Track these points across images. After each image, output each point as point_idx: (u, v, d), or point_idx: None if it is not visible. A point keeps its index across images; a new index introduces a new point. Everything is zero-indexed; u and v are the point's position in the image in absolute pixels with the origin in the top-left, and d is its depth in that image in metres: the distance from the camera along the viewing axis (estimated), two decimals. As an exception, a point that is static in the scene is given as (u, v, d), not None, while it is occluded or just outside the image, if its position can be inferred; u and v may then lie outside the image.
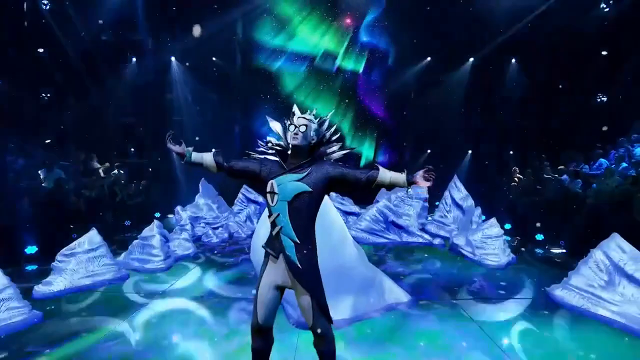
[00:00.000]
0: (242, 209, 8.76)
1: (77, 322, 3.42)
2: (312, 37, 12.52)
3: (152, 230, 5.44)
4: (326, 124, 2.14)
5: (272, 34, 12.32)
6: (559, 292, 3.81)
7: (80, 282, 4.31)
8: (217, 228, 7.58)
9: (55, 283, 4.17)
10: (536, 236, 6.53)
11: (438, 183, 7.45)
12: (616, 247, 3.53)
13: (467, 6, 10.37)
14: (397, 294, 3.74)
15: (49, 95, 9.34)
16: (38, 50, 8.60)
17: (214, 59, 12.05)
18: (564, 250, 6.02)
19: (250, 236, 7.34)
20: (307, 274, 1.89)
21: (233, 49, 12.61)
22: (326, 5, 12.01)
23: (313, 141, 2.04)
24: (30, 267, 5.07)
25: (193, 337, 3.12)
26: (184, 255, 5.83)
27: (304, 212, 1.90)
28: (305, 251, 1.90)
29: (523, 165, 9.03)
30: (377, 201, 7.59)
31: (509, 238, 6.75)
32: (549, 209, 6.80)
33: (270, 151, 2.11)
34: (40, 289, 4.08)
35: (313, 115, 2.12)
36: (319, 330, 1.91)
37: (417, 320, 3.39)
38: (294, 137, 1.98)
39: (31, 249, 5.24)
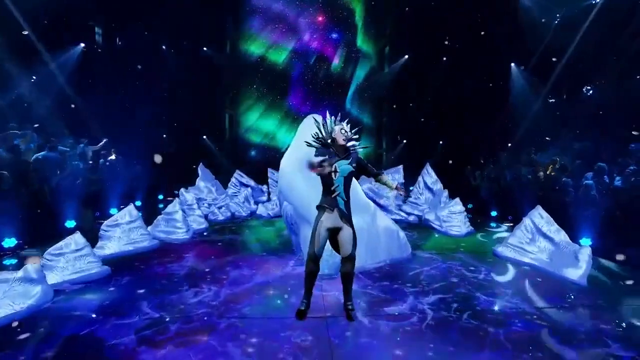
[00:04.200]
0: (236, 192, 9.75)
1: (139, 271, 4.41)
2: (298, 32, 13.35)
3: (175, 207, 6.37)
4: (349, 126, 3.24)
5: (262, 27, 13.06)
6: (500, 249, 5.21)
7: (126, 248, 5.23)
8: (220, 207, 8.53)
9: (107, 247, 5.08)
10: (491, 212, 8.03)
11: (413, 170, 8.78)
12: (538, 214, 4.94)
13: (439, 12, 11.63)
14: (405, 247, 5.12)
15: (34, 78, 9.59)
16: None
17: (204, 48, 12.65)
18: (511, 224, 7.53)
19: (249, 215, 8.54)
20: (349, 217, 3.11)
21: (223, 40, 13.26)
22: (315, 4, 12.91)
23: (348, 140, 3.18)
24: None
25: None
26: (200, 229, 6.80)
27: (349, 182, 3.11)
28: (348, 205, 3.10)
29: (487, 155, 10.57)
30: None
31: (470, 215, 8.22)
32: (504, 191, 8.33)
33: (318, 143, 3.22)
34: (95, 252, 4.96)
35: (344, 122, 3.23)
36: (353, 254, 3.09)
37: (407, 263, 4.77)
38: (343, 140, 3.13)
39: (70, 223, 6.02)
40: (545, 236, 4.76)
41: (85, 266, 4.11)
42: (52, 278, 3.79)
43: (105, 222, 5.38)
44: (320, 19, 13.28)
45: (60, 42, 9.59)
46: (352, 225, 3.09)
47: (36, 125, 8.91)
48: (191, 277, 4.30)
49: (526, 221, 5.07)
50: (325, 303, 3.58)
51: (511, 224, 7.51)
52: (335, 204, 3.05)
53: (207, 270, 4.51)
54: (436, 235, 6.53)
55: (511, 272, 4.58)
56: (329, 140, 3.15)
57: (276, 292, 3.85)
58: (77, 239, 4.18)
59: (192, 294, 3.78)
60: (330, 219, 3.06)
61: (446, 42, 11.99)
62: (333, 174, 3.08)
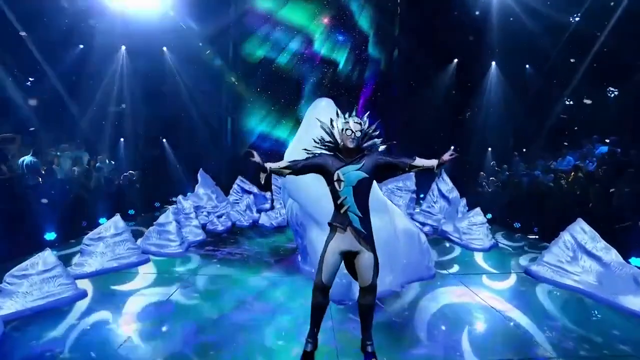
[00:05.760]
0: (237, 199, 9.15)
1: (120, 297, 3.79)
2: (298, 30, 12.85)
3: (168, 217, 5.76)
4: (367, 123, 2.63)
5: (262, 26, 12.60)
6: (534, 267, 4.54)
7: (109, 265, 4.62)
8: (220, 216, 7.93)
9: (87, 265, 4.47)
10: (514, 224, 7.34)
11: (425, 176, 8.04)
12: (580, 229, 4.27)
13: (452, 11, 11.11)
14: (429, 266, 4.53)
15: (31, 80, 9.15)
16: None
17: (207, 52, 12.20)
18: (537, 236, 6.84)
19: (251, 224, 7.86)
20: (369, 238, 2.46)
21: (226, 42, 12.80)
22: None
23: (361, 140, 2.55)
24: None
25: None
26: (196, 241, 6.17)
27: (364, 193, 2.44)
28: (366, 222, 2.45)
29: (500, 162, 9.92)
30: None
31: (491, 227, 7.55)
32: (525, 200, 7.65)
33: (324, 148, 2.59)
34: (73, 270, 4.36)
35: (359, 118, 2.59)
36: (374, 283, 2.46)
37: (427, 288, 4.11)
38: (351, 141, 2.48)
39: (50, 235, 5.44)
40: (590, 254, 4.08)
41: (55, 289, 3.50)
42: (10, 306, 3.17)
43: (88, 235, 4.79)
44: (326, 20, 12.82)
45: (57, 44, 9.16)
46: (373, 249, 2.46)
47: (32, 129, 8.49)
48: (179, 305, 3.66)
49: (565, 236, 4.40)
50: (336, 340, 2.94)
51: (537, 237, 6.85)
52: (347, 222, 2.42)
53: (195, 295, 3.88)
54: (457, 250, 5.87)
55: (555, 298, 3.89)
56: (341, 143, 2.52)
57: (279, 326, 3.20)
58: (47, 257, 3.58)
59: (178, 328, 3.14)
60: (343, 241, 2.43)
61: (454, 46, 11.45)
62: (337, 184, 2.45)
